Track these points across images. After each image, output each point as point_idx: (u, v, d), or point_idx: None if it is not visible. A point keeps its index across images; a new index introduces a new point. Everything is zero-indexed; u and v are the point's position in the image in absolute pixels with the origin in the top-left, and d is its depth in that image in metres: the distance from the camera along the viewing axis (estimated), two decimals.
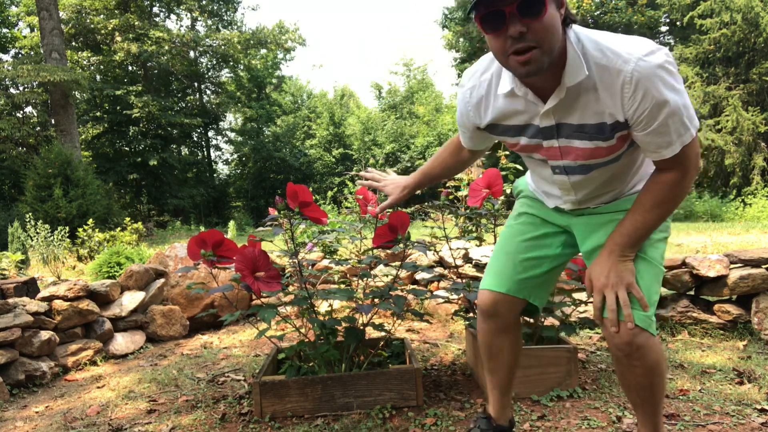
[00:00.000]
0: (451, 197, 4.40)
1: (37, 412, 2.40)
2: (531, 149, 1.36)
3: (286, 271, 2.70)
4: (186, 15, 21.53)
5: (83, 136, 18.27)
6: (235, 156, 25.06)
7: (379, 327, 2.39)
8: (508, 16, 1.06)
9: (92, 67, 19.59)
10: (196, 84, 22.21)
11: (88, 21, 17.87)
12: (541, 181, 1.52)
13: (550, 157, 1.34)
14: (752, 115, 13.22)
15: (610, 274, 1.26)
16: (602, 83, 1.14)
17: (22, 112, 16.34)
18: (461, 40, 17.55)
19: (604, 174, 1.34)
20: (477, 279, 3.44)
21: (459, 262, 3.77)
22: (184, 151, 22.83)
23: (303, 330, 2.43)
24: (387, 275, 3.67)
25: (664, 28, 18.89)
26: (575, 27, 1.16)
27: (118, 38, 18.02)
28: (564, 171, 1.37)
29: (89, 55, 18.99)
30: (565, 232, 1.56)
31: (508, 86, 1.24)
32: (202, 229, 13.59)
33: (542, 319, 2.42)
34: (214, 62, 21.79)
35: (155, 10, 20.58)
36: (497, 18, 1.07)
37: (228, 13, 21.76)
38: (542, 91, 1.20)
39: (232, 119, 25.95)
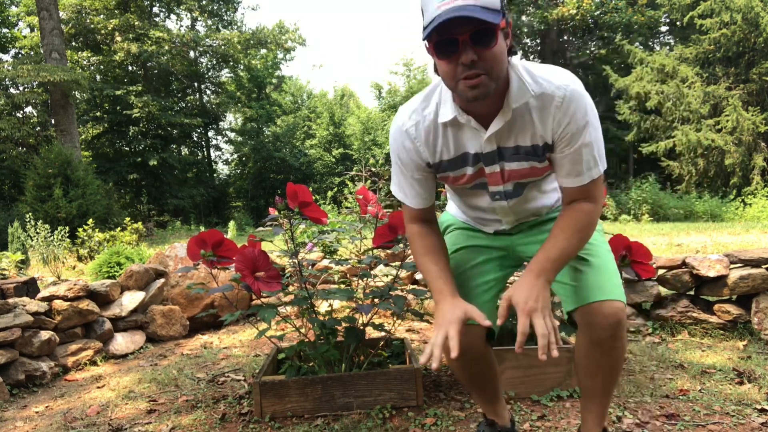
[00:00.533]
0: None
1: (37, 412, 2.40)
2: (474, 177, 1.39)
3: (286, 271, 2.70)
4: (186, 15, 21.54)
5: (83, 136, 18.27)
6: (235, 156, 25.07)
7: (379, 327, 2.39)
8: (461, 44, 1.11)
9: (92, 67, 19.60)
10: (196, 84, 22.22)
11: (88, 21, 17.87)
12: (476, 210, 1.55)
13: (492, 183, 1.39)
14: (752, 115, 13.21)
15: (539, 298, 1.24)
16: (536, 107, 1.24)
17: (22, 112, 16.34)
18: None
19: (532, 190, 1.45)
20: None
21: None
22: (184, 151, 22.83)
23: (303, 330, 2.43)
24: (387, 275, 3.67)
25: (664, 28, 18.89)
26: (513, 58, 1.26)
27: (118, 38, 18.03)
28: (504, 196, 1.43)
29: (89, 55, 18.99)
30: (504, 253, 1.60)
31: (451, 114, 1.28)
32: (202, 229, 13.59)
33: None
34: (214, 62, 21.79)
35: (155, 10, 20.59)
36: (450, 45, 1.13)
37: (228, 13, 21.76)
38: (483, 118, 1.27)
39: (232, 119, 25.98)
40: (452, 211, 1.70)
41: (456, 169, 1.38)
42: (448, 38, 1.12)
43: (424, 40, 1.16)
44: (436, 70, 1.24)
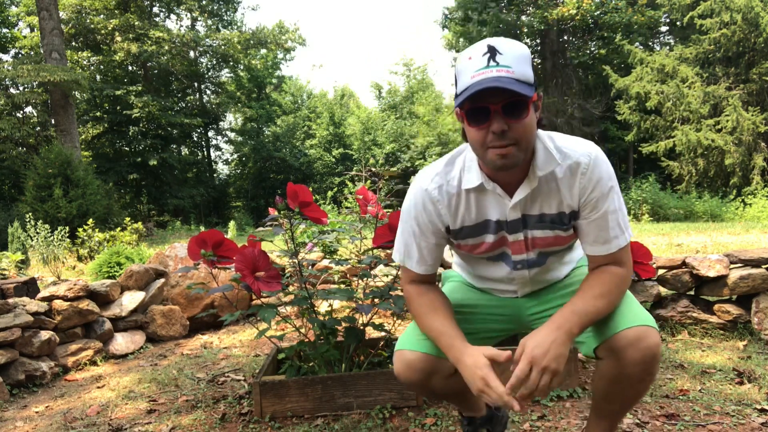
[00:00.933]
0: None
1: (37, 412, 2.40)
2: (496, 246, 1.37)
3: (286, 271, 2.69)
4: (186, 15, 21.55)
5: (83, 136, 18.27)
6: (235, 156, 25.07)
7: (379, 327, 2.39)
8: (492, 113, 1.13)
9: (92, 67, 19.61)
10: (196, 84, 22.22)
11: (88, 21, 17.87)
12: (488, 282, 1.51)
13: (515, 252, 1.37)
14: (752, 115, 13.21)
15: (550, 352, 1.16)
16: (562, 175, 1.26)
17: (22, 112, 16.35)
18: (461, 40, 17.55)
19: (554, 261, 1.44)
20: None
21: None
22: (184, 151, 22.84)
23: (303, 330, 2.43)
24: (387, 275, 3.67)
25: (664, 28, 18.89)
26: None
27: (118, 38, 18.03)
28: (527, 264, 1.40)
29: (89, 55, 19.00)
30: (510, 317, 1.52)
31: (477, 181, 1.28)
32: (202, 229, 13.59)
33: None
34: (214, 62, 21.80)
35: (155, 10, 20.59)
36: (482, 114, 1.14)
37: (228, 13, 21.78)
38: (508, 186, 1.28)
39: (232, 119, 25.98)
40: (458, 271, 1.65)
41: (477, 236, 1.36)
42: (481, 107, 1.14)
43: (457, 107, 1.18)
44: (464, 136, 1.25)
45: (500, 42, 1.15)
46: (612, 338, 1.25)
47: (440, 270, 1.66)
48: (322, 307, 3.74)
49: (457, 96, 1.17)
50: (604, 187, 1.25)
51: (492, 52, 1.13)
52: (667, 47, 17.91)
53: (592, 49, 17.35)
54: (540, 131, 1.28)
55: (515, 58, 1.13)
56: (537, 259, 1.39)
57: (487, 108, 1.13)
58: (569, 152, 1.25)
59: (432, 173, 1.34)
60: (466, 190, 1.31)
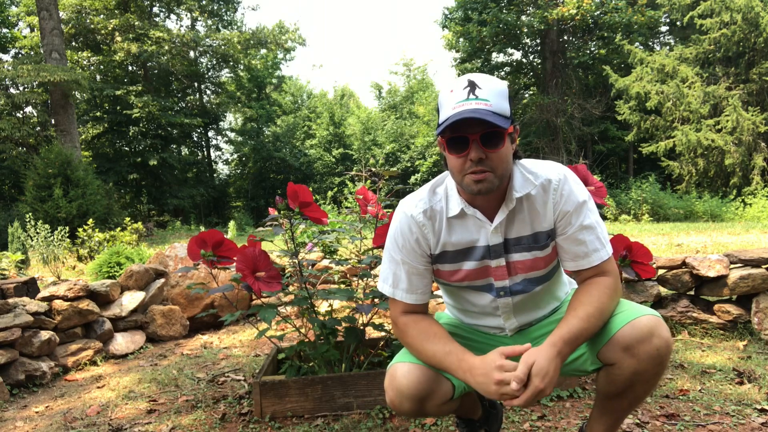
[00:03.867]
0: None
1: (37, 412, 2.40)
2: (476, 275, 1.38)
3: (286, 271, 2.69)
4: (186, 15, 21.55)
5: (83, 136, 18.27)
6: (235, 156, 25.08)
7: (379, 327, 2.39)
8: (471, 142, 1.21)
9: (92, 67, 19.61)
10: (196, 84, 22.22)
11: (88, 21, 17.87)
12: (476, 315, 1.49)
13: (497, 278, 1.38)
14: (752, 115, 13.21)
15: (547, 375, 1.15)
16: (537, 195, 1.32)
17: (22, 112, 16.34)
18: (461, 40, 17.53)
19: (541, 292, 1.44)
20: None
21: None
22: (184, 151, 22.84)
23: (303, 330, 2.43)
24: None
25: (664, 28, 18.88)
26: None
27: (118, 38, 18.03)
28: (509, 292, 1.40)
29: (89, 55, 19.00)
30: None
31: (457, 208, 1.34)
32: (202, 229, 13.59)
33: None
34: (214, 62, 21.80)
35: (155, 10, 20.59)
36: (462, 143, 1.22)
37: (228, 13, 21.77)
38: (488, 211, 1.34)
39: (232, 119, 25.99)
40: (447, 311, 1.66)
41: (455, 262, 1.38)
42: (460, 136, 1.21)
43: (437, 135, 1.25)
44: (445, 164, 1.32)
45: (480, 78, 1.23)
46: (618, 334, 1.25)
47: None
48: (322, 307, 3.74)
49: (439, 125, 1.24)
50: (576, 202, 1.31)
51: (472, 86, 1.21)
52: (667, 47, 17.91)
53: (592, 49, 17.35)
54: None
55: (493, 93, 1.21)
56: (520, 286, 1.39)
57: (466, 137, 1.21)
58: (540, 172, 1.32)
59: (416, 199, 1.39)
60: (448, 218, 1.36)
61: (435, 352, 1.30)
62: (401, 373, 1.35)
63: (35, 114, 16.24)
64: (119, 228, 7.51)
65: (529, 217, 1.33)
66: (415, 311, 1.41)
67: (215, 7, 21.24)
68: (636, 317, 1.25)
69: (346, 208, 7.64)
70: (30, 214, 7.65)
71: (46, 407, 2.47)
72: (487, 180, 1.23)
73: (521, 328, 1.49)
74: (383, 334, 2.56)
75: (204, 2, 20.76)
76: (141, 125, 18.82)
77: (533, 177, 1.32)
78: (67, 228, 7.07)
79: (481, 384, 1.20)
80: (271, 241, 2.52)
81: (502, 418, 1.77)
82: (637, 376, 1.26)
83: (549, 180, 1.31)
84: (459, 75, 19.54)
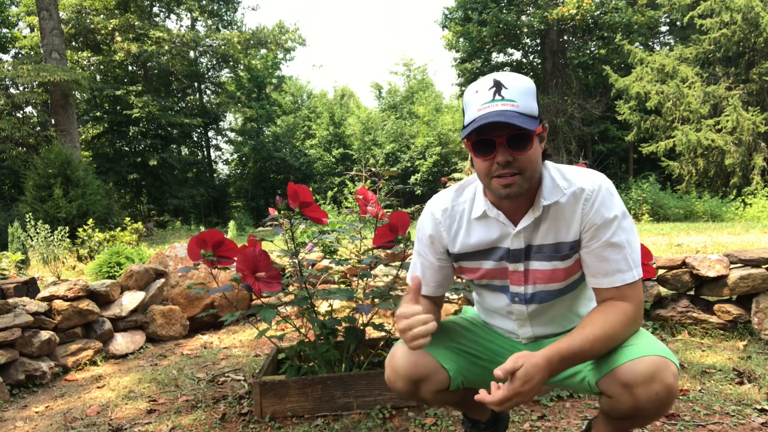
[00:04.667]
0: None
1: (37, 412, 2.40)
2: (493, 275, 1.37)
3: (286, 271, 2.69)
4: (186, 15, 21.55)
5: (83, 136, 18.27)
6: (235, 156, 25.08)
7: (379, 327, 2.39)
8: (498, 145, 1.17)
9: (92, 67, 19.61)
10: (196, 84, 22.22)
11: (88, 21, 17.87)
12: (494, 315, 1.50)
13: (513, 282, 1.36)
14: (752, 115, 13.21)
15: (529, 383, 1.12)
16: (566, 205, 1.26)
17: (22, 112, 16.34)
18: (461, 40, 17.53)
19: (560, 306, 1.39)
20: None
21: None
22: (184, 151, 22.85)
23: (303, 330, 2.43)
24: (387, 275, 3.67)
25: (664, 28, 18.88)
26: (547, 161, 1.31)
27: (118, 38, 18.02)
28: (523, 299, 1.38)
29: (89, 55, 19.00)
30: None
31: (481, 209, 1.32)
32: (202, 229, 13.59)
33: None
34: (214, 62, 21.80)
35: (155, 10, 20.59)
36: (488, 146, 1.18)
37: (228, 13, 21.77)
38: (513, 214, 1.30)
39: (232, 119, 25.99)
40: (475, 307, 1.66)
41: (475, 260, 1.38)
42: (487, 139, 1.18)
43: (463, 138, 1.21)
44: (472, 164, 1.28)
45: (506, 77, 1.18)
46: (618, 369, 1.18)
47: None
48: (322, 307, 3.74)
49: (464, 127, 1.21)
50: (607, 215, 1.23)
51: (497, 86, 1.17)
52: (667, 47, 17.91)
53: (592, 49, 17.35)
54: (549, 162, 1.31)
55: (520, 92, 1.16)
56: (536, 296, 1.36)
57: (492, 140, 1.17)
58: (575, 180, 1.26)
59: (442, 198, 1.40)
60: (470, 219, 1.35)
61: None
62: (399, 353, 1.41)
63: (35, 114, 16.24)
64: (119, 228, 7.51)
65: (554, 225, 1.28)
66: (427, 300, 1.44)
67: (215, 7, 21.24)
68: (641, 356, 1.17)
69: (346, 208, 7.64)
70: (30, 214, 7.65)
71: (46, 407, 2.47)
72: (516, 184, 1.19)
73: (537, 338, 1.45)
74: (383, 334, 2.56)
75: (204, 2, 20.76)
76: (141, 125, 18.82)
77: (566, 184, 1.26)
78: (67, 228, 7.07)
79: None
80: (271, 241, 2.52)
81: (507, 424, 1.76)
82: (636, 412, 1.20)
83: (582, 189, 1.24)
84: (459, 75, 19.57)
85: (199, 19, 21.71)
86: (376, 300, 2.28)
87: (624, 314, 1.22)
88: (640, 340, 1.22)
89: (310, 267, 2.74)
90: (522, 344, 1.48)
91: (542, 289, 1.34)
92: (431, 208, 1.41)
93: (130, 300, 3.49)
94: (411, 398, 1.48)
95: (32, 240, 6.35)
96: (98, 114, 18.88)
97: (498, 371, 1.13)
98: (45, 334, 2.86)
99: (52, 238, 6.41)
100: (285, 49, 22.95)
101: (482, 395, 1.16)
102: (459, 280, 2.64)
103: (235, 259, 2.03)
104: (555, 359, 1.16)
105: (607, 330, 1.20)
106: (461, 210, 1.37)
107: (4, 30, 18.21)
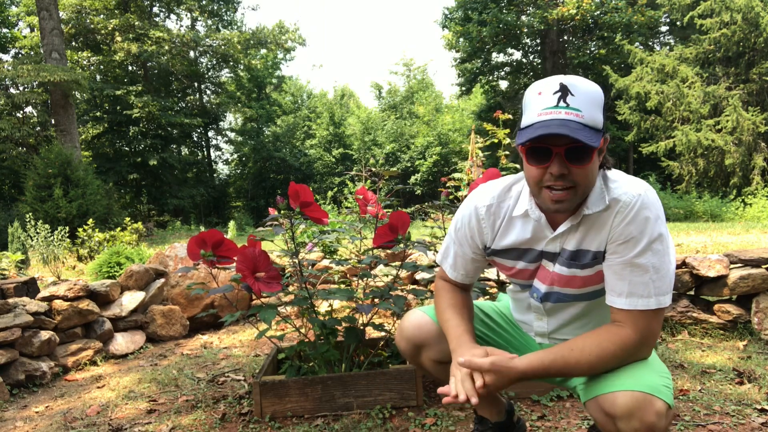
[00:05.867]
0: (451, 197, 4.40)
1: (37, 412, 2.40)
2: (525, 275, 1.37)
3: (286, 271, 2.70)
4: (186, 15, 21.55)
5: (83, 136, 18.27)
6: (235, 156, 25.08)
7: (379, 327, 2.39)
8: (554, 155, 1.10)
9: (92, 67, 19.60)
10: (196, 84, 22.22)
11: (88, 21, 17.87)
12: (519, 307, 1.52)
13: (539, 279, 1.36)
14: (752, 115, 13.20)
15: (497, 381, 1.17)
16: (601, 213, 1.19)
17: (22, 112, 16.34)
18: (461, 40, 17.53)
19: (578, 309, 1.37)
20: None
21: None
22: (184, 151, 22.84)
23: (303, 330, 2.43)
24: (387, 275, 3.67)
25: (664, 28, 18.89)
26: None
27: (118, 38, 18.02)
28: (540, 297, 1.37)
29: (89, 55, 19.00)
30: None
31: (524, 208, 1.28)
32: (202, 229, 13.58)
33: None
34: (214, 62, 21.80)
35: (155, 10, 20.59)
36: (543, 153, 1.11)
37: (228, 13, 21.77)
38: (554, 218, 1.25)
39: (232, 119, 25.98)
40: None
41: (510, 258, 1.37)
42: (543, 146, 1.10)
43: (518, 144, 1.14)
44: (521, 167, 1.24)
45: (574, 81, 1.10)
46: (602, 398, 1.15)
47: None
48: (322, 307, 3.74)
49: (521, 129, 1.13)
50: (637, 232, 1.13)
51: (564, 91, 1.09)
52: (667, 47, 17.91)
53: (592, 49, 17.35)
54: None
55: (587, 102, 1.09)
56: (551, 295, 1.35)
57: (549, 149, 1.10)
58: (615, 188, 1.18)
59: (488, 193, 1.35)
60: (511, 216, 1.32)
61: (445, 319, 1.38)
62: (410, 317, 1.49)
63: (35, 114, 16.24)
64: (119, 228, 7.50)
65: (585, 233, 1.22)
66: (456, 284, 1.47)
67: (215, 7, 21.24)
68: (624, 390, 1.12)
69: (346, 208, 7.63)
70: (30, 214, 7.65)
71: (46, 407, 2.47)
72: (567, 200, 1.12)
73: (552, 338, 1.44)
74: (383, 334, 2.56)
75: (204, 2, 20.76)
76: (141, 125, 18.82)
77: (608, 192, 1.18)
78: (67, 228, 7.07)
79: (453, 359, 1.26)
80: (272, 241, 2.52)
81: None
82: None
83: (618, 200, 1.16)
84: (459, 75, 19.56)
85: (199, 19, 21.71)
86: (376, 300, 2.28)
87: (622, 345, 1.14)
88: (635, 370, 1.16)
89: (310, 267, 2.74)
90: (536, 343, 1.49)
91: (558, 291, 1.33)
92: (475, 201, 1.36)
93: (130, 300, 3.49)
94: (413, 362, 1.53)
95: (32, 240, 6.35)
96: (98, 114, 18.88)
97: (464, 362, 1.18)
98: (45, 334, 2.86)
99: (52, 238, 6.41)
100: (285, 49, 22.95)
101: (442, 389, 1.21)
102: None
103: (235, 259, 2.03)
104: (534, 368, 1.17)
105: (594, 356, 1.15)
106: (506, 207, 1.33)
107: (4, 30, 18.21)
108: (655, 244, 1.13)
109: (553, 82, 1.10)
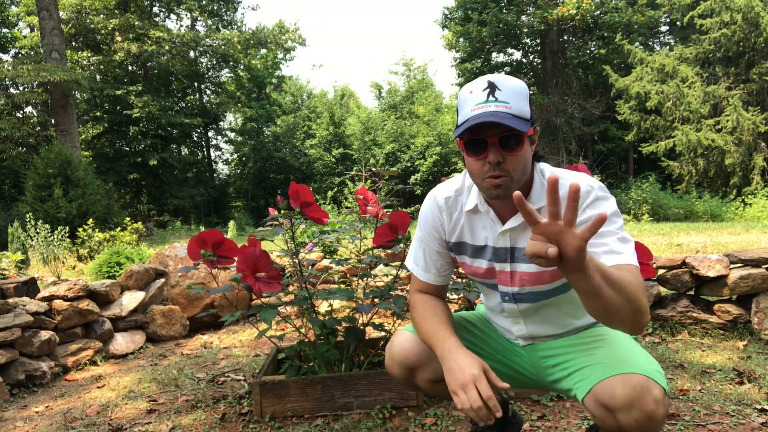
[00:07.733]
0: None
1: (37, 412, 2.40)
2: (488, 274, 1.39)
3: (287, 271, 2.70)
4: (186, 15, 21.53)
5: (83, 136, 18.27)
6: (235, 156, 25.07)
7: (379, 327, 2.39)
8: (489, 145, 1.19)
9: (92, 67, 19.59)
10: (196, 84, 22.21)
11: (88, 21, 17.86)
12: (493, 311, 1.52)
13: (501, 282, 1.38)
14: (752, 115, 13.21)
15: (573, 246, 0.96)
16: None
17: (22, 112, 16.33)
18: (461, 40, 17.52)
19: (554, 306, 1.38)
20: None
21: None
22: (184, 151, 22.84)
23: (303, 330, 2.43)
24: (387, 275, 3.67)
25: (664, 28, 18.89)
26: (540, 163, 1.32)
27: (118, 38, 18.02)
28: (513, 299, 1.39)
29: (89, 55, 18.99)
30: (512, 369, 1.49)
31: (474, 202, 1.34)
32: (202, 229, 13.59)
33: None
34: (214, 62, 21.79)
35: (155, 10, 20.58)
36: (480, 145, 1.20)
37: (228, 13, 21.75)
38: (503, 214, 1.32)
39: (232, 119, 25.98)
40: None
41: (470, 256, 1.40)
42: (479, 138, 1.19)
43: (456, 137, 1.22)
44: (464, 164, 1.30)
45: (500, 78, 1.20)
46: (597, 389, 1.17)
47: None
48: (322, 307, 3.74)
49: (458, 127, 1.22)
50: (593, 214, 1.17)
51: (491, 87, 1.19)
52: (667, 47, 17.91)
53: (592, 49, 17.35)
54: (544, 165, 1.32)
55: (513, 95, 1.18)
56: (526, 297, 1.36)
57: (484, 140, 1.18)
58: (564, 183, 1.22)
59: (449, 186, 1.42)
60: (466, 211, 1.37)
61: (427, 329, 1.36)
62: (398, 339, 1.47)
63: (35, 114, 16.24)
64: (119, 228, 7.51)
65: None
66: (429, 292, 1.47)
67: (215, 7, 21.22)
68: (620, 373, 1.14)
69: (346, 208, 7.64)
70: (30, 214, 7.65)
71: (46, 407, 2.47)
72: (505, 185, 1.20)
73: (533, 340, 1.44)
74: (383, 334, 2.56)
75: (204, 2, 20.74)
76: (141, 125, 18.82)
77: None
78: (67, 228, 7.08)
79: (449, 373, 1.23)
80: (272, 241, 2.52)
81: (520, 430, 1.74)
82: (624, 430, 1.15)
83: (564, 186, 1.21)
84: (459, 75, 19.57)
85: (199, 19, 21.70)
86: (376, 300, 2.28)
87: (632, 273, 1.09)
88: (626, 353, 1.19)
89: (310, 267, 2.74)
90: (520, 347, 1.49)
91: (530, 290, 1.35)
92: (435, 194, 1.43)
93: (130, 300, 3.49)
94: (408, 385, 1.51)
95: (32, 240, 6.35)
96: (98, 114, 18.87)
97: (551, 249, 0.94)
98: (45, 334, 2.86)
99: (52, 238, 6.41)
100: (285, 49, 22.94)
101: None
102: (459, 280, 2.64)
103: (235, 259, 2.03)
104: (591, 265, 0.99)
105: (638, 283, 1.08)
106: (461, 201, 1.39)
107: (4, 30, 18.21)
108: (613, 218, 1.18)
109: (482, 81, 1.21)
